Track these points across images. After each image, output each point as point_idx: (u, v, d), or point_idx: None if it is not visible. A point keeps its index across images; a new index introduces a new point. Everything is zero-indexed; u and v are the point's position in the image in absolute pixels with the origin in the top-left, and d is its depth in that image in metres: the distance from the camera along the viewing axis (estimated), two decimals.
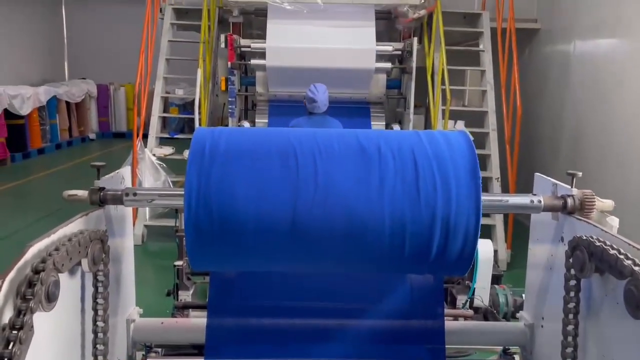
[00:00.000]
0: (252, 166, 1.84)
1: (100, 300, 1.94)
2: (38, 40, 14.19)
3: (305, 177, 1.81)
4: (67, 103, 13.04)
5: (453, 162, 1.84)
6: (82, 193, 2.17)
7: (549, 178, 2.18)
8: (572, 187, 2.02)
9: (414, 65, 5.88)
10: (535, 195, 2.06)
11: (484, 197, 1.85)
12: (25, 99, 10.83)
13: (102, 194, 2.06)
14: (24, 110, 10.80)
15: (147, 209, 6.07)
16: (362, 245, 1.84)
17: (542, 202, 2.02)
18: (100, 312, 1.93)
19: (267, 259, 1.93)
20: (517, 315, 2.51)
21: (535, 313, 2.31)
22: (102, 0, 15.19)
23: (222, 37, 5.86)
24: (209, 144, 1.88)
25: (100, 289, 1.93)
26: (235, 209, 1.79)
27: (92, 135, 14.30)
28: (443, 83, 5.95)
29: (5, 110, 10.31)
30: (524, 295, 2.61)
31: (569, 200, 1.99)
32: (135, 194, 2.14)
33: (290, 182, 1.81)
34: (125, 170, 2.56)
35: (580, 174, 2.03)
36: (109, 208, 2.17)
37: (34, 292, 1.43)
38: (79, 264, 1.78)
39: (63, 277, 1.64)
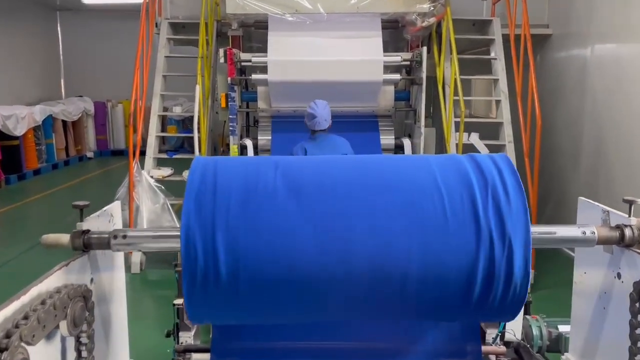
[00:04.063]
0: (260, 207, 1.55)
1: None
2: (33, 58, 13.98)
3: (322, 218, 1.53)
4: (64, 122, 12.79)
5: (494, 192, 1.55)
6: (63, 238, 1.94)
7: (598, 204, 1.91)
8: (630, 215, 1.75)
9: (424, 75, 5.59)
10: (586, 226, 1.78)
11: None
12: (20, 119, 10.56)
13: (86, 237, 1.84)
14: (19, 131, 10.53)
15: None
16: (389, 294, 1.56)
17: (596, 234, 1.74)
18: None
19: (279, 312, 1.65)
20: (562, 358, 2.30)
21: (585, 357, 2.07)
22: (98, 16, 15.01)
23: (221, 51, 5.58)
24: (207, 180, 1.62)
25: (84, 354, 1.67)
26: (242, 257, 1.52)
27: (89, 154, 14.04)
28: (455, 93, 5.67)
29: None
30: (559, 327, 2.44)
31: (627, 232, 1.72)
32: (124, 237, 1.91)
33: (299, 225, 1.53)
34: (114, 207, 2.29)
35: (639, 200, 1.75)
36: (96, 252, 1.93)
37: None
38: (58, 326, 1.53)
39: (37, 346, 1.38)
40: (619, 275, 1.80)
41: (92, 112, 14.18)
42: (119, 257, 2.27)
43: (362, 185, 1.59)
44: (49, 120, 12.02)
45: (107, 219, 2.17)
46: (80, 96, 14.35)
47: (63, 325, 1.53)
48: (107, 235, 1.87)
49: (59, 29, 15.37)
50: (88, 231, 1.88)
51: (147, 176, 5.74)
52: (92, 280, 1.91)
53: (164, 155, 6.41)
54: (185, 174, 6.15)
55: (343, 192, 1.57)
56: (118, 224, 2.33)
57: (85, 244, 1.85)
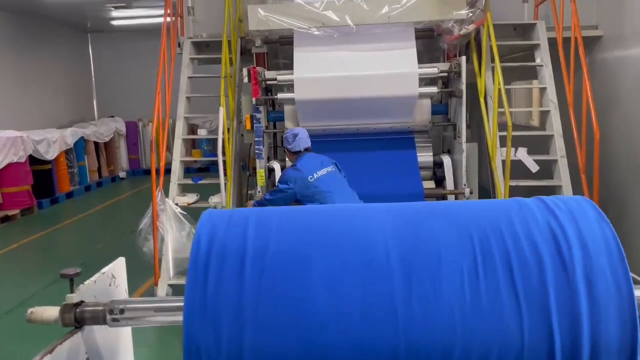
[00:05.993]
0: (316, 281, 1.40)
1: None
2: (66, 81, 14.11)
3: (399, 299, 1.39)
4: (96, 143, 12.78)
5: (580, 260, 1.33)
6: (50, 312, 1.64)
7: None
8: None
9: (463, 87, 5.13)
10: None
11: None
12: (51, 143, 10.52)
13: (78, 311, 1.57)
14: (50, 155, 10.47)
15: (171, 262, 5.44)
16: None
17: None
18: None
19: None
20: None
21: None
22: (127, 37, 15.07)
23: (245, 70, 5.25)
24: (232, 245, 1.42)
25: None
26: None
27: (122, 174, 13.99)
28: (499, 105, 5.17)
29: (31, 156, 9.99)
30: None
31: None
32: (122, 311, 1.62)
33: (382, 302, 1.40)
34: (116, 266, 1.94)
35: None
36: (92, 328, 1.64)
37: None
38: None
39: None
40: None
41: (123, 132, 14.18)
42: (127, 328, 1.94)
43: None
44: (81, 143, 12.00)
45: (107, 282, 1.84)
46: (112, 116, 14.40)
47: None
48: (102, 308, 1.58)
49: (90, 50, 15.50)
50: (81, 303, 1.59)
51: (172, 204, 5.44)
52: None
53: (189, 181, 6.11)
54: (212, 199, 5.83)
55: None
56: (122, 287, 1.98)
57: (78, 319, 1.56)
